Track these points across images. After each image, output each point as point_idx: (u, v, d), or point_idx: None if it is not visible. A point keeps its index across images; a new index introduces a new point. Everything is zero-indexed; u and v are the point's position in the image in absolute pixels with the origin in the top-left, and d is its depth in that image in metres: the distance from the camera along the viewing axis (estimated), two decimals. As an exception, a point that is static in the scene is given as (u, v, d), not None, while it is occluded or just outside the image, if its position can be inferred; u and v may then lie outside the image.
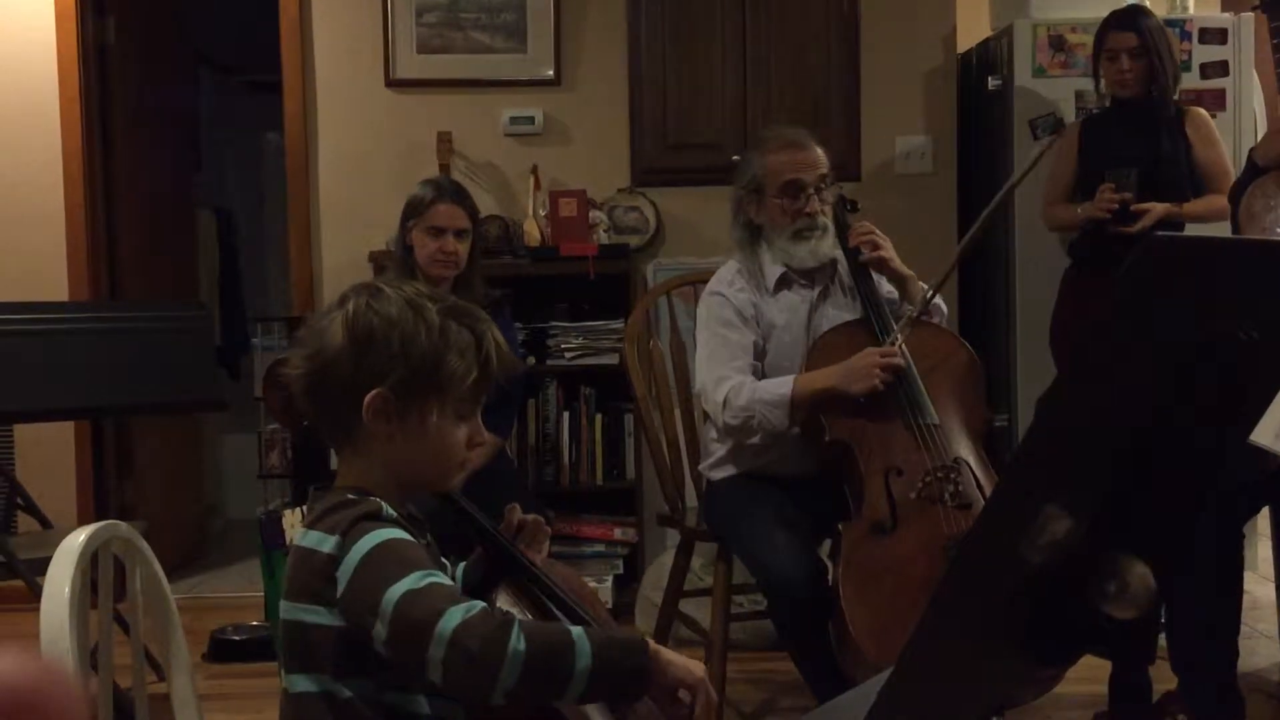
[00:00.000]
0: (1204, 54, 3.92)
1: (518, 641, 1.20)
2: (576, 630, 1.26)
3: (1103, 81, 3.49)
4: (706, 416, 2.83)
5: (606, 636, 1.29)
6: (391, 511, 1.32)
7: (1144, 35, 3.34)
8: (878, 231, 2.68)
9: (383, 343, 1.34)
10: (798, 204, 2.64)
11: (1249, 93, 4.01)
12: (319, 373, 1.36)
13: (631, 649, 1.27)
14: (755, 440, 2.59)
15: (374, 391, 1.33)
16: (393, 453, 1.36)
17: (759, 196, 2.69)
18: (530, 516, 1.54)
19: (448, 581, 1.26)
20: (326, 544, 1.28)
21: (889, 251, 2.66)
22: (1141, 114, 3.41)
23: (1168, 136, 3.39)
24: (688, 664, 1.30)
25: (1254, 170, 2.75)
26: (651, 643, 1.29)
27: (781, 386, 2.53)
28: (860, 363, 2.48)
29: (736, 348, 2.61)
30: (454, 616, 1.20)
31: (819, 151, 2.69)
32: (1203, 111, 3.51)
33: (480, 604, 1.23)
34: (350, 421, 1.35)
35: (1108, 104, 3.53)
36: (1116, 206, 3.31)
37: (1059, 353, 3.56)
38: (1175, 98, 3.44)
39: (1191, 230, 3.37)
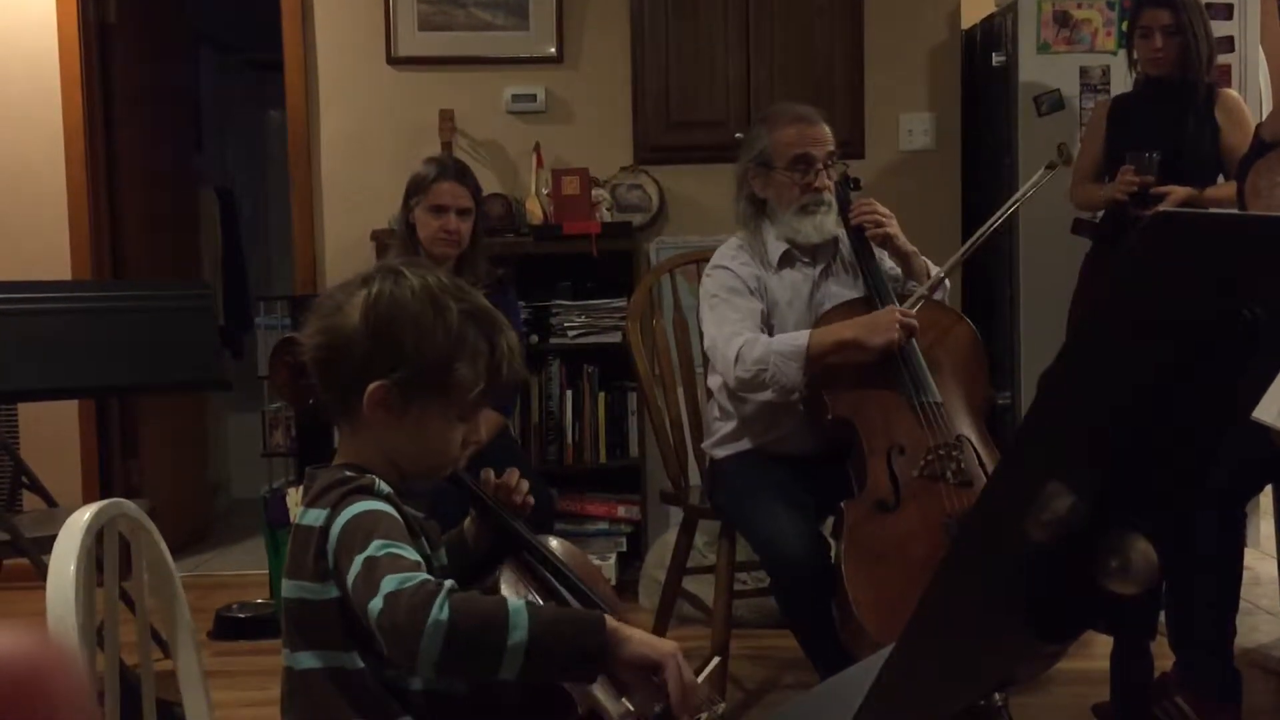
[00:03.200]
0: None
1: (440, 612, 1.17)
2: (516, 603, 1.23)
3: (1136, 58, 3.46)
4: (710, 394, 2.83)
5: (555, 612, 1.28)
6: (385, 487, 1.33)
7: (1179, 13, 3.29)
8: (879, 207, 2.67)
9: (397, 337, 1.33)
10: (806, 178, 2.64)
11: (1255, 69, 3.99)
12: (329, 349, 1.36)
13: (584, 626, 1.24)
14: (767, 395, 2.54)
15: (377, 383, 1.33)
16: (387, 440, 1.37)
17: (766, 170, 2.68)
18: (498, 480, 1.52)
19: (409, 554, 1.25)
20: (320, 520, 1.29)
21: (894, 227, 2.65)
22: (1171, 94, 3.36)
23: (1195, 118, 3.35)
24: (652, 641, 1.26)
25: (1260, 147, 2.74)
26: (611, 620, 1.25)
27: (797, 339, 2.52)
28: (882, 317, 2.48)
29: (746, 311, 2.61)
30: (388, 585, 1.19)
31: (827, 128, 2.69)
32: (1234, 94, 3.46)
33: (422, 576, 1.21)
34: (352, 402, 1.36)
35: (1140, 82, 3.49)
36: (1135, 189, 3.28)
37: None
38: (1208, 79, 3.38)
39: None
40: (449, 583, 1.22)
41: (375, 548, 1.23)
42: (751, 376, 2.52)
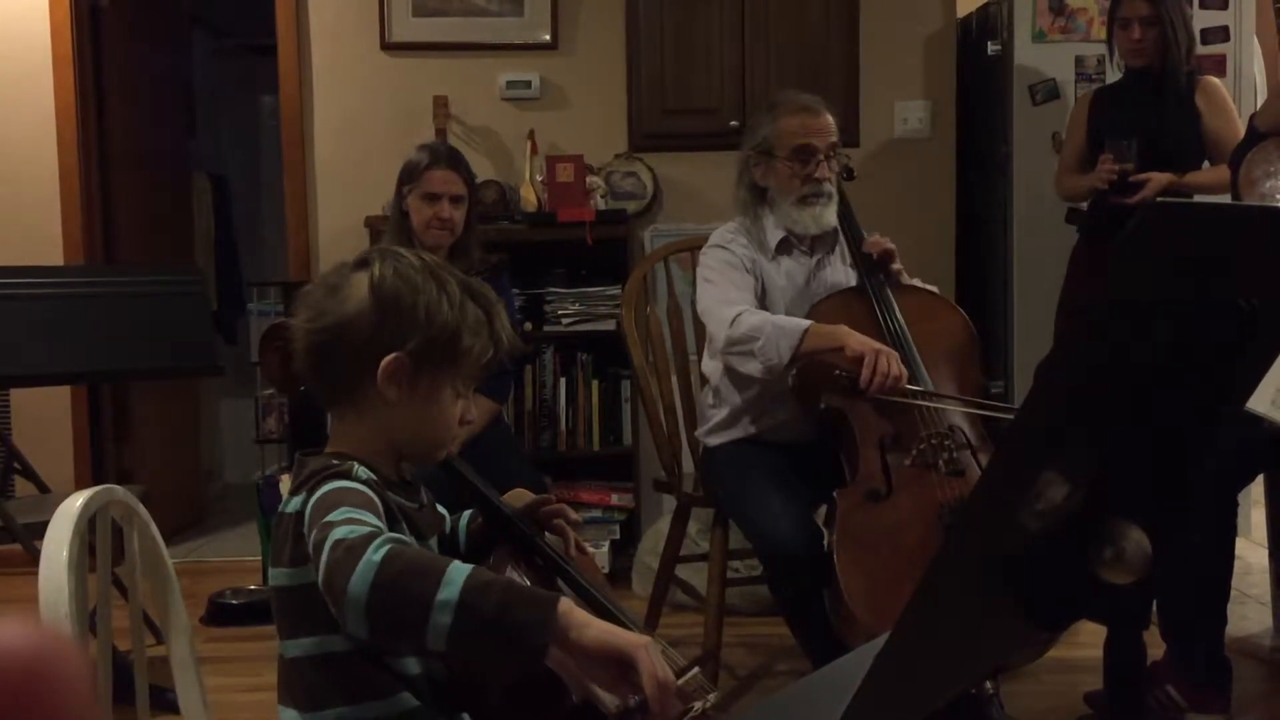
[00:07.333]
0: (1205, 19, 3.89)
1: (374, 553, 1.12)
2: (457, 564, 1.13)
3: (1116, 50, 3.46)
4: (704, 381, 2.83)
5: (502, 581, 1.16)
6: (365, 473, 1.32)
7: (1156, 4, 3.30)
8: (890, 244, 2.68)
9: (408, 309, 1.34)
10: (808, 169, 2.64)
11: (1249, 58, 3.99)
12: (332, 331, 1.35)
13: (527, 599, 1.14)
14: (752, 367, 2.50)
15: (394, 355, 1.33)
16: (391, 419, 1.36)
17: (768, 159, 2.68)
18: (558, 505, 1.55)
19: (370, 519, 1.20)
20: (298, 506, 1.29)
21: (898, 261, 2.68)
22: (1152, 83, 3.37)
23: (1175, 106, 3.36)
24: (618, 632, 1.15)
25: (1254, 136, 2.74)
26: (566, 602, 1.15)
27: (800, 322, 2.49)
28: (885, 349, 2.41)
29: (744, 286, 2.61)
30: (336, 533, 1.16)
31: (831, 119, 2.69)
32: (1215, 81, 3.47)
33: (371, 529, 1.17)
34: (356, 383, 1.35)
35: (1123, 73, 3.50)
36: (1115, 177, 3.29)
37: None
38: (1188, 67, 3.39)
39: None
40: (397, 535, 1.19)
41: (336, 515, 1.20)
42: (741, 337, 2.49)
